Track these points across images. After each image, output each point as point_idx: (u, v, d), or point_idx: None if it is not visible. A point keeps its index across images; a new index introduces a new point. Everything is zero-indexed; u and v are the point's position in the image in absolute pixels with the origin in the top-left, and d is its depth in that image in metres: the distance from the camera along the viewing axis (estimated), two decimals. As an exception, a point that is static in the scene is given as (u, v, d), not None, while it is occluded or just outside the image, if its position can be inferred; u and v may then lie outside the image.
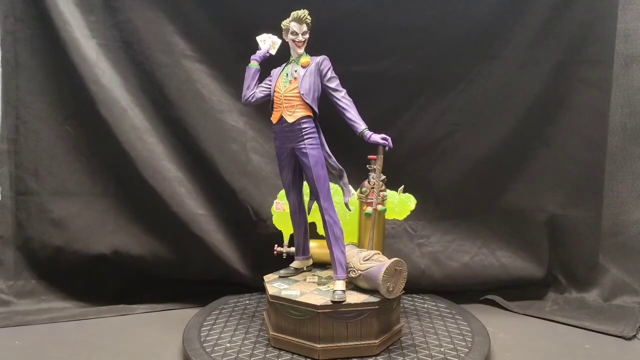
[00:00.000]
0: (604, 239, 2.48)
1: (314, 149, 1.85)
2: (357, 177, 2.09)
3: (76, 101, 2.33)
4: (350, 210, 2.00)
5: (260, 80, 1.95)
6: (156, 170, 2.36)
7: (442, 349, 1.87)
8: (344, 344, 1.80)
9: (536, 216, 2.49)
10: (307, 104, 1.83)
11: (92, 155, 2.39)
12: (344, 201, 1.95)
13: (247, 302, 2.33)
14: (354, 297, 1.82)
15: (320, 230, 2.09)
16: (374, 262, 1.84)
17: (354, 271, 1.87)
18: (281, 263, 2.17)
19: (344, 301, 1.79)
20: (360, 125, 1.85)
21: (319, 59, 1.87)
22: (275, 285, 1.97)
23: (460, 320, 2.15)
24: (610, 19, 2.37)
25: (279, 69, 1.92)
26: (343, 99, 1.87)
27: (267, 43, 1.96)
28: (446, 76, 2.41)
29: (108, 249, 2.39)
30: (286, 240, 2.26)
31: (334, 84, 1.87)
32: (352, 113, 1.86)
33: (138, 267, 2.43)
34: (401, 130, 2.43)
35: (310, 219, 2.09)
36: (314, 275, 2.10)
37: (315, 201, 1.92)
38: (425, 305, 2.32)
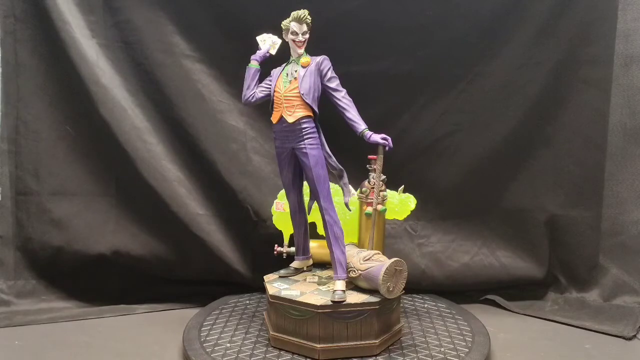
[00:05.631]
0: (604, 239, 2.48)
1: (314, 149, 1.85)
2: (357, 177, 2.09)
3: (76, 101, 2.33)
4: (350, 210, 2.00)
5: (261, 80, 1.95)
6: (156, 170, 2.36)
7: (442, 349, 1.87)
8: (344, 344, 1.80)
9: (536, 216, 2.48)
10: (307, 104, 1.83)
11: (92, 155, 2.39)
12: (344, 201, 1.95)
13: (247, 302, 2.33)
14: (354, 297, 1.82)
15: (320, 230, 2.09)
16: (374, 262, 1.85)
17: (354, 271, 1.87)
18: (281, 263, 2.17)
19: (344, 301, 1.79)
20: (361, 125, 1.85)
21: (319, 58, 1.87)
22: (276, 285, 1.97)
23: (460, 320, 2.15)
24: (610, 19, 2.37)
25: (279, 69, 1.92)
26: (343, 99, 1.87)
27: (267, 43, 1.96)
28: (446, 76, 2.41)
29: (108, 249, 2.39)
30: (286, 240, 2.26)
31: (334, 84, 1.88)
32: (352, 113, 1.86)
33: (138, 267, 2.43)
34: (401, 130, 2.43)
35: (310, 219, 2.09)
36: (314, 275, 2.10)
37: (315, 201, 1.92)
38: (425, 305, 2.32)
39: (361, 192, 2.06)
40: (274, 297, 1.87)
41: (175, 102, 2.38)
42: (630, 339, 2.11)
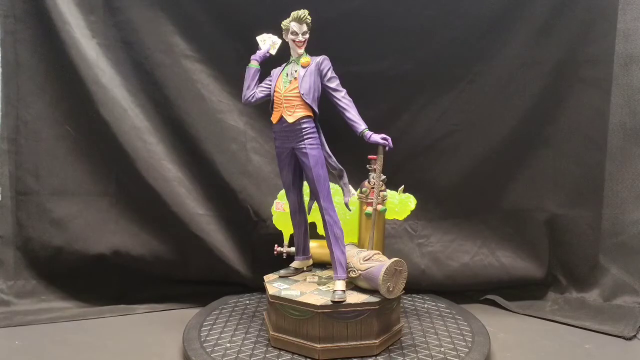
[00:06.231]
0: (604, 239, 2.48)
1: (314, 149, 1.85)
2: (357, 177, 2.09)
3: (76, 101, 2.33)
4: (350, 210, 2.00)
5: (261, 80, 1.95)
6: (156, 170, 2.36)
7: (442, 349, 1.87)
8: (344, 344, 1.80)
9: (536, 216, 2.49)
10: (307, 104, 1.83)
11: (92, 155, 2.39)
12: (344, 201, 1.95)
13: (247, 302, 2.33)
14: (354, 297, 1.82)
15: (320, 230, 2.09)
16: (374, 262, 1.85)
17: (354, 271, 1.87)
18: (281, 263, 2.17)
19: (344, 301, 1.79)
20: (361, 125, 1.85)
21: (319, 58, 1.87)
22: (275, 285, 1.97)
23: (460, 320, 2.15)
24: (610, 19, 2.37)
25: (279, 69, 1.92)
26: (343, 99, 1.87)
27: (267, 43, 1.96)
28: (446, 76, 2.41)
29: (108, 249, 2.39)
30: (286, 240, 2.26)
31: (334, 84, 1.87)
32: (352, 113, 1.86)
33: (138, 267, 2.43)
34: (401, 130, 2.42)
35: (310, 219, 2.09)
36: (314, 275, 2.10)
37: (315, 201, 1.92)
38: (425, 305, 2.32)
39: (361, 192, 2.06)
40: (274, 297, 1.87)
41: (175, 102, 2.38)
42: (630, 339, 2.11)
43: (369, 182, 2.04)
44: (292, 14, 1.85)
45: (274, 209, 2.25)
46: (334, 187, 1.99)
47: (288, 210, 2.07)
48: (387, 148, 1.89)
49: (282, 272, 2.10)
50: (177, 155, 2.42)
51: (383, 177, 2.00)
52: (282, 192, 2.12)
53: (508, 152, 2.45)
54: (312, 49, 1.90)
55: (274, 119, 1.89)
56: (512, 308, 2.40)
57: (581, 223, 2.46)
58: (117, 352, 1.96)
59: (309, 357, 1.79)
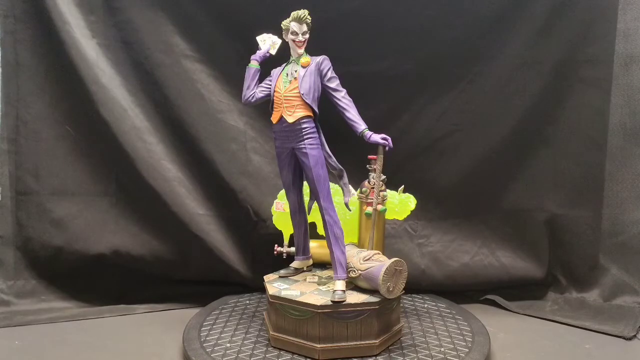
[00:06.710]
0: (604, 239, 2.48)
1: (314, 149, 1.85)
2: (357, 177, 2.09)
3: (76, 101, 2.33)
4: (350, 210, 2.00)
5: (261, 80, 1.95)
6: (156, 170, 2.37)
7: (442, 349, 1.87)
8: (344, 344, 1.80)
9: (536, 216, 2.49)
10: (307, 104, 1.83)
11: (92, 155, 2.39)
12: (344, 201, 1.95)
13: (247, 302, 2.33)
14: (354, 297, 1.82)
15: (320, 230, 2.09)
16: (374, 262, 1.85)
17: (354, 271, 1.87)
18: (281, 263, 2.17)
19: (344, 301, 1.79)
20: (361, 125, 1.85)
21: (319, 58, 1.87)
22: (275, 285, 1.97)
23: (460, 320, 2.15)
24: (610, 19, 2.37)
25: (279, 69, 1.92)
26: (343, 99, 1.87)
27: (267, 43, 1.96)
28: (446, 76, 2.41)
29: (108, 249, 2.39)
30: (286, 240, 2.26)
31: (334, 84, 1.88)
32: (352, 113, 1.86)
33: (138, 267, 2.43)
34: (401, 130, 2.42)
35: (310, 219, 2.09)
36: (314, 275, 2.10)
37: (315, 201, 1.92)
38: (425, 305, 2.32)
39: (361, 192, 2.06)
40: (274, 297, 1.87)
41: (175, 102, 2.38)
42: (630, 339, 2.11)
43: (369, 182, 2.04)
44: (292, 14, 1.85)
45: (274, 209, 2.25)
46: (334, 187, 1.99)
47: (288, 210, 2.07)
48: (387, 148, 1.89)
49: (282, 272, 2.10)
50: (177, 155, 2.42)
51: (383, 177, 2.00)
52: (282, 192, 2.12)
53: (508, 152, 2.45)
54: (312, 49, 1.90)
55: (274, 119, 1.89)
56: (512, 308, 2.40)
57: (581, 223, 2.46)
58: (116, 352, 1.96)
59: (309, 357, 1.79)
